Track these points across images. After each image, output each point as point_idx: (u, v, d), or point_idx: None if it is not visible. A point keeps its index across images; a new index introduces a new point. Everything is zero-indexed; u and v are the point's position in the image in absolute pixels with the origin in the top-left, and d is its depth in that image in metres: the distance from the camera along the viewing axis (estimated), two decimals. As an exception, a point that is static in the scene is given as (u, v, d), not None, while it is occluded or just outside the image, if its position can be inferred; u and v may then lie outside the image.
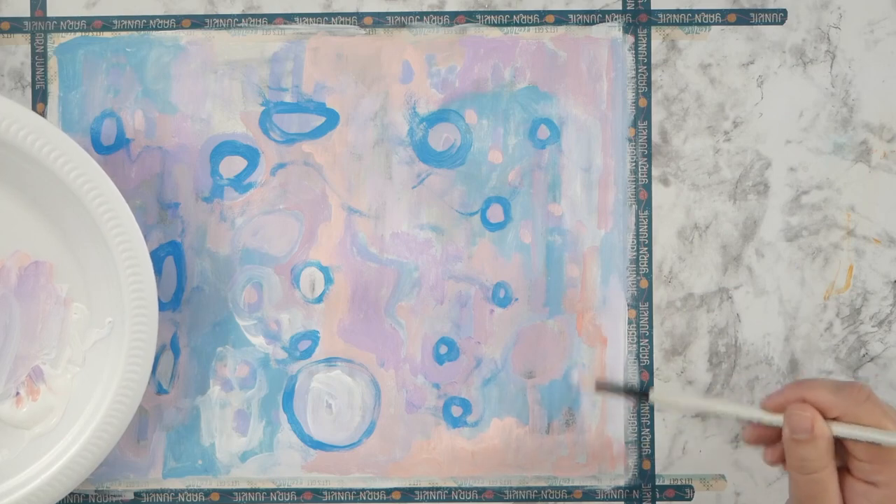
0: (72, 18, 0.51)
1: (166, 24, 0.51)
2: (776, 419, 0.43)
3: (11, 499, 0.47)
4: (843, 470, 0.43)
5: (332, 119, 0.51)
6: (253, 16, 0.51)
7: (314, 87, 0.51)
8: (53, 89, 0.51)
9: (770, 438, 0.45)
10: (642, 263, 0.51)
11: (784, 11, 0.51)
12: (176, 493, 0.51)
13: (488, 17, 0.51)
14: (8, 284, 0.49)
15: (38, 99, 0.51)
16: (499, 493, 0.51)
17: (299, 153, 0.51)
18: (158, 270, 0.51)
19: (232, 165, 0.51)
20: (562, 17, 0.51)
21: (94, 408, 0.48)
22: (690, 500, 0.51)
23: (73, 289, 0.49)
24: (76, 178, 0.46)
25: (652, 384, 0.49)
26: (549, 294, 0.51)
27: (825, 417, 0.42)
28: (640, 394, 0.50)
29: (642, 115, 0.51)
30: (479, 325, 0.51)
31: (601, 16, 0.51)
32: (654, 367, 0.51)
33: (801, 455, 0.42)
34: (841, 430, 0.42)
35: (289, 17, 0.51)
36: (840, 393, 0.42)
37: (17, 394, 0.49)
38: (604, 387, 0.50)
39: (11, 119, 0.46)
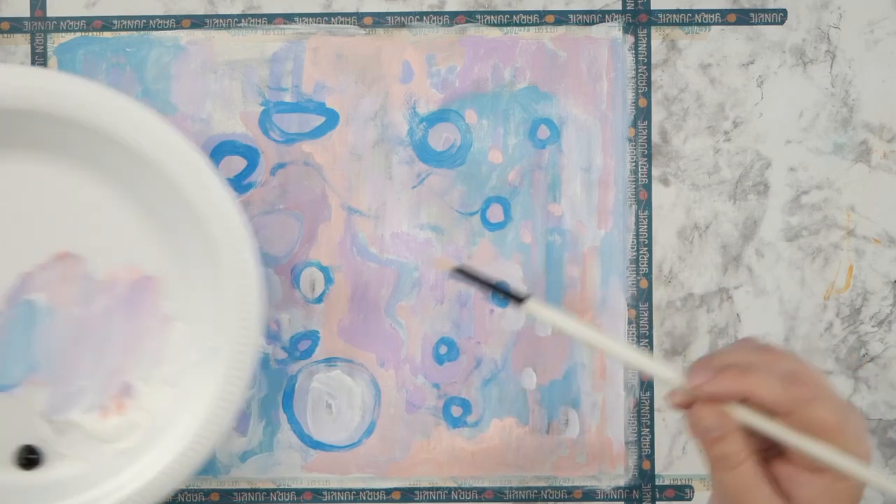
0: (72, 18, 0.51)
1: (166, 24, 0.51)
2: (672, 376, 0.38)
3: None
4: (774, 455, 0.38)
5: (331, 119, 0.51)
6: (253, 16, 0.51)
7: (314, 87, 0.51)
8: (53, 89, 0.51)
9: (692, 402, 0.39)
10: (642, 263, 0.51)
11: (784, 11, 0.51)
12: (176, 493, 0.51)
13: (488, 17, 0.51)
14: (115, 296, 0.48)
15: (38, 99, 0.51)
16: (499, 493, 0.51)
17: (299, 153, 0.51)
18: (158, 270, 0.51)
19: (232, 165, 0.51)
20: (562, 17, 0.51)
21: (183, 431, 0.46)
22: (690, 500, 0.51)
23: (178, 308, 0.48)
24: (202, 197, 0.45)
25: (529, 297, 0.40)
26: (549, 294, 0.51)
27: (767, 413, 0.37)
28: (512, 296, 0.41)
29: (642, 115, 0.51)
30: (479, 325, 0.51)
31: (601, 16, 0.51)
32: (654, 367, 0.51)
33: (716, 452, 0.37)
34: (751, 419, 0.37)
35: (289, 17, 0.51)
36: (790, 389, 0.37)
37: (105, 406, 0.48)
38: (465, 273, 0.41)
39: (145, 129, 0.45)
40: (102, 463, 0.47)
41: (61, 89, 0.45)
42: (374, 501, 0.51)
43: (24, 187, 0.47)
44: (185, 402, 0.47)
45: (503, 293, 0.41)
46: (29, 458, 0.47)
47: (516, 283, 0.51)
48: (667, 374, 0.38)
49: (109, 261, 0.48)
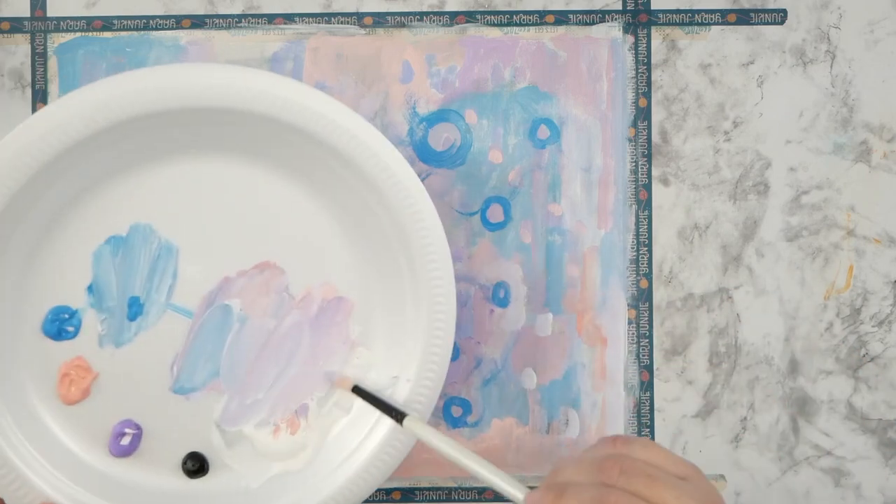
0: (72, 18, 0.51)
1: (166, 24, 0.51)
2: (515, 492, 0.40)
3: None
4: None
5: (332, 119, 0.51)
6: (253, 16, 0.51)
7: (314, 87, 0.51)
8: (53, 89, 0.51)
9: None
10: (642, 263, 0.51)
11: (784, 11, 0.51)
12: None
13: (488, 17, 0.51)
14: (307, 313, 0.48)
15: (38, 99, 0.51)
16: (499, 493, 0.51)
17: (299, 153, 0.51)
18: (158, 270, 0.51)
19: (232, 165, 0.51)
20: (562, 17, 0.51)
21: (349, 459, 0.46)
22: (690, 500, 0.51)
23: (366, 333, 0.48)
24: (415, 224, 0.45)
25: (407, 415, 0.44)
26: (549, 294, 0.51)
27: None
28: (395, 415, 0.45)
29: (642, 115, 0.51)
30: (479, 325, 0.51)
31: (601, 16, 0.51)
32: (654, 367, 0.51)
33: None
34: (420, 431, 0.42)
35: (289, 17, 0.51)
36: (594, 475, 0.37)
37: (278, 424, 0.47)
38: (361, 393, 0.47)
39: (374, 150, 0.45)
40: (265, 482, 0.46)
41: (287, 94, 0.44)
42: (374, 501, 0.51)
43: (240, 192, 0.47)
44: (357, 431, 0.46)
45: (388, 411, 0.45)
46: (195, 467, 0.46)
47: (516, 281, 0.51)
48: (511, 492, 0.40)
49: (308, 277, 0.47)
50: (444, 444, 0.42)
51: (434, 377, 0.46)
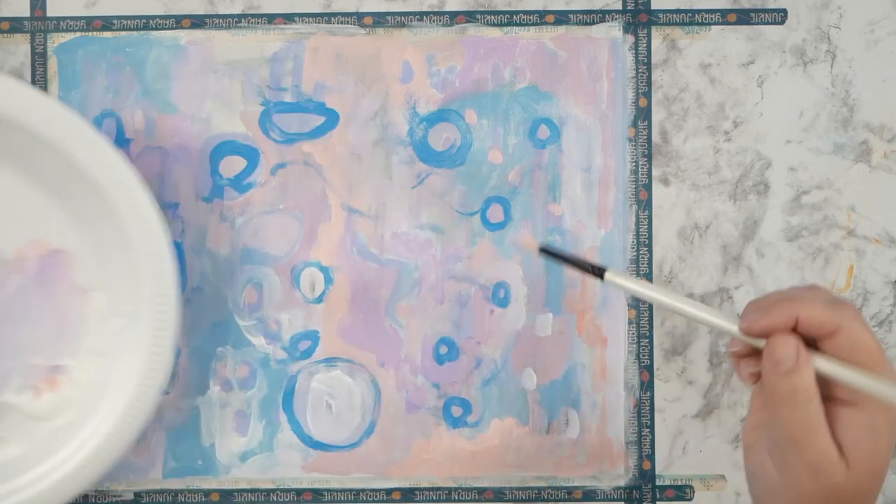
0: (71, 18, 0.51)
1: (166, 24, 0.51)
2: (754, 340, 0.39)
3: (30, 493, 0.46)
4: (825, 399, 0.39)
5: (331, 119, 0.51)
6: (253, 16, 0.51)
7: (314, 87, 0.51)
8: (53, 89, 0.51)
9: (754, 352, 0.40)
10: (642, 263, 0.51)
11: (784, 11, 0.51)
12: (176, 493, 0.51)
13: (488, 17, 0.51)
14: (27, 273, 0.48)
15: (38, 99, 0.51)
16: (499, 493, 0.51)
17: (299, 153, 0.51)
18: (158, 270, 0.51)
19: (232, 165, 0.51)
20: (562, 17, 0.51)
21: (116, 399, 0.47)
22: (690, 500, 0.51)
23: (93, 278, 0.48)
24: (95, 165, 0.46)
25: (606, 269, 0.41)
26: (549, 294, 0.51)
27: (819, 336, 0.38)
28: (593, 271, 0.42)
29: (642, 114, 0.51)
30: (479, 325, 0.51)
31: (601, 16, 0.51)
32: (655, 367, 0.51)
33: (786, 387, 0.38)
34: (825, 366, 0.38)
35: (289, 17, 0.51)
36: (834, 309, 0.38)
37: (37, 385, 0.49)
38: (549, 252, 0.43)
39: (30, 107, 0.45)
40: (42, 442, 0.48)
41: None
42: (374, 501, 0.51)
43: None
44: (114, 371, 0.47)
45: (584, 269, 0.42)
46: None
47: (516, 281, 0.51)
48: (723, 325, 0.39)
49: (16, 238, 0.48)
50: (648, 290, 0.40)
51: (168, 304, 0.46)
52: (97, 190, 0.46)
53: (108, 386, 0.47)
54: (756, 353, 0.40)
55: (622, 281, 0.41)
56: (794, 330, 0.38)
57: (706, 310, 0.40)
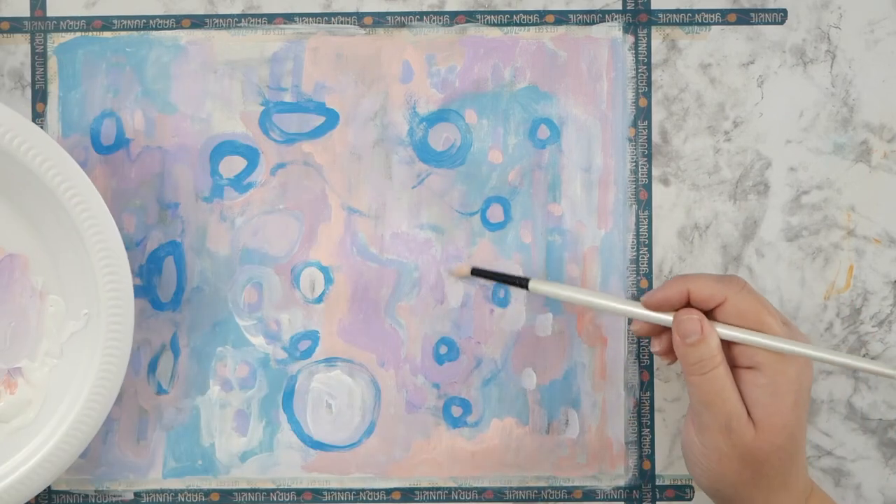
0: (71, 18, 0.51)
1: (166, 24, 0.51)
2: (661, 317, 0.45)
3: None
4: (731, 367, 0.44)
5: (331, 119, 0.51)
6: (253, 16, 0.51)
7: (314, 87, 0.51)
8: (53, 89, 0.51)
9: (658, 330, 0.46)
10: (642, 263, 0.51)
11: (784, 11, 0.51)
12: (176, 493, 0.51)
13: (488, 17, 0.51)
14: None
15: (38, 99, 0.51)
16: (499, 493, 0.51)
17: (299, 153, 0.51)
18: (158, 270, 0.51)
19: (232, 165, 0.51)
20: (562, 17, 0.51)
21: (72, 400, 0.47)
22: (690, 500, 0.51)
23: (49, 281, 0.49)
24: (48, 171, 0.46)
25: (529, 279, 0.48)
26: (549, 294, 0.51)
27: (708, 307, 0.44)
28: (518, 282, 0.48)
29: (642, 114, 0.51)
30: (479, 325, 0.51)
31: (601, 16, 0.51)
32: (654, 367, 0.51)
33: (695, 357, 0.43)
34: (727, 332, 0.44)
35: (289, 17, 0.51)
36: (720, 283, 0.44)
37: None
38: (481, 273, 0.50)
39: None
40: (1, 443, 0.49)
41: None
42: (374, 501, 0.51)
43: None
44: (72, 373, 0.48)
45: (511, 282, 0.49)
46: None
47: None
48: (629, 308, 0.46)
49: None
50: (572, 292, 0.47)
51: (123, 306, 0.47)
52: (48, 192, 0.46)
53: (65, 387, 0.48)
54: (663, 331, 0.46)
55: (545, 287, 0.48)
56: (689, 304, 0.44)
57: (616, 299, 0.47)
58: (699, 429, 0.44)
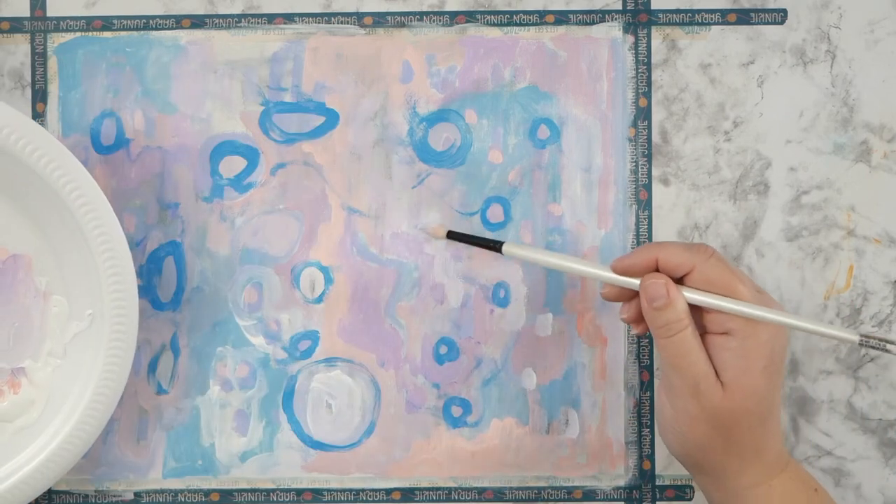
0: (71, 18, 0.51)
1: (166, 24, 0.51)
2: (629, 281, 0.45)
3: None
4: (701, 330, 0.45)
5: (331, 119, 0.51)
6: (253, 16, 0.51)
7: (314, 87, 0.51)
8: (53, 89, 0.51)
9: (626, 296, 0.46)
10: (642, 263, 0.51)
11: (784, 11, 0.51)
12: (176, 493, 0.51)
13: (488, 17, 0.51)
14: None
15: (38, 99, 0.51)
16: (499, 493, 0.51)
17: (299, 153, 0.51)
18: (158, 270, 0.51)
19: (232, 165, 0.51)
20: (562, 17, 0.51)
21: (76, 401, 0.47)
22: (690, 500, 0.51)
23: (52, 282, 0.49)
24: (52, 171, 0.46)
25: (503, 242, 0.49)
26: (549, 294, 0.51)
27: (677, 275, 0.44)
28: (492, 245, 0.49)
29: (642, 114, 0.51)
30: (479, 325, 0.51)
31: (601, 16, 0.51)
32: (655, 367, 0.51)
33: (661, 320, 0.44)
34: (693, 296, 0.44)
35: (289, 17, 0.51)
36: (689, 251, 0.44)
37: (0, 389, 0.49)
38: (455, 236, 0.50)
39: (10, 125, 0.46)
40: (4, 443, 0.49)
41: None
42: (374, 501, 0.51)
43: None
44: (75, 373, 0.48)
45: (486, 245, 0.49)
46: None
47: (516, 281, 0.51)
48: (598, 271, 0.46)
49: None
50: (544, 255, 0.47)
51: (125, 311, 0.47)
52: (52, 192, 0.46)
53: (69, 388, 0.48)
54: (632, 297, 0.46)
55: (517, 250, 0.48)
56: (658, 271, 0.45)
57: (586, 263, 0.47)
58: (668, 392, 0.45)
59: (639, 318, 0.46)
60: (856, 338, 0.43)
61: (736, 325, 0.44)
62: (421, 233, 0.51)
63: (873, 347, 0.43)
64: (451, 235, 0.50)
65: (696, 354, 0.44)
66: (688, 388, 0.44)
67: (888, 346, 0.43)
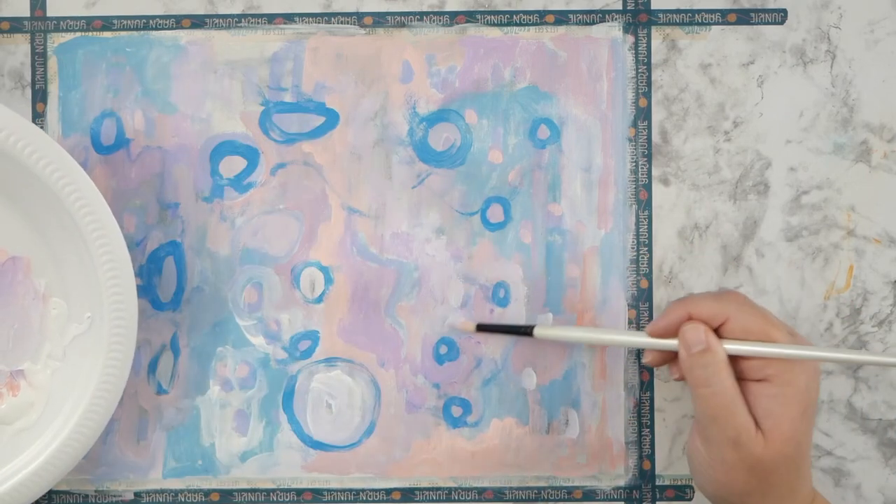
0: (72, 18, 0.51)
1: (166, 24, 0.51)
2: (669, 343, 0.45)
3: None
4: (738, 377, 0.44)
5: (332, 119, 0.51)
6: (253, 16, 0.51)
7: (314, 87, 0.51)
8: (53, 89, 0.51)
9: (671, 357, 0.46)
10: (642, 263, 0.51)
11: (784, 11, 0.51)
12: (176, 493, 0.51)
13: (488, 17, 0.51)
14: None
15: (38, 99, 0.51)
16: (499, 493, 0.51)
17: (299, 153, 0.51)
18: (158, 270, 0.51)
19: (232, 165, 0.51)
20: (562, 17, 0.51)
21: (75, 403, 0.47)
22: (690, 500, 0.51)
23: (51, 284, 0.49)
24: (51, 173, 0.46)
25: (534, 325, 0.49)
26: (549, 294, 0.51)
27: (712, 326, 0.44)
28: (524, 331, 0.49)
29: (642, 115, 0.51)
30: (479, 325, 0.51)
31: (601, 16, 0.51)
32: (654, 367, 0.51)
33: (700, 369, 0.43)
34: (733, 347, 0.44)
35: (289, 17, 0.51)
36: (719, 301, 0.44)
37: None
38: (486, 328, 0.50)
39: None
40: (3, 445, 0.49)
41: None
42: (374, 501, 0.51)
43: None
44: (74, 375, 0.48)
45: (518, 332, 0.50)
46: None
47: (516, 281, 0.51)
48: (636, 339, 0.47)
49: None
50: (579, 332, 0.48)
51: (124, 314, 0.47)
52: (51, 195, 0.46)
53: (68, 390, 0.48)
54: (676, 358, 0.45)
55: (550, 332, 0.48)
56: None
57: (621, 332, 0.48)
58: (705, 441, 0.44)
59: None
60: None
61: (774, 371, 0.43)
62: (449, 328, 0.51)
63: None
64: (481, 328, 0.50)
65: (736, 405, 0.43)
66: (727, 440, 0.43)
67: None
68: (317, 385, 0.51)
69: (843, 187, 0.51)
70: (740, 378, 0.44)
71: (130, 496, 0.51)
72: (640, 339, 0.46)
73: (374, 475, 0.51)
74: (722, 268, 0.51)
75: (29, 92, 0.51)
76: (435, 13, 0.51)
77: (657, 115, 0.51)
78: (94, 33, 0.51)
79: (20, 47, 0.51)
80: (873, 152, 0.51)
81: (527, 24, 0.51)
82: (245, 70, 0.51)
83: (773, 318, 0.45)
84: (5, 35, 0.51)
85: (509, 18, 0.51)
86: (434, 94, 0.51)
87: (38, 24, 0.51)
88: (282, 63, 0.51)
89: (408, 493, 0.51)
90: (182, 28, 0.51)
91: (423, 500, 0.51)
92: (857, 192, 0.51)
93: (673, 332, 0.45)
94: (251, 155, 0.51)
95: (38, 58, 0.51)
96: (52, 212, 0.47)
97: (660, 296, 0.51)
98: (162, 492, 0.51)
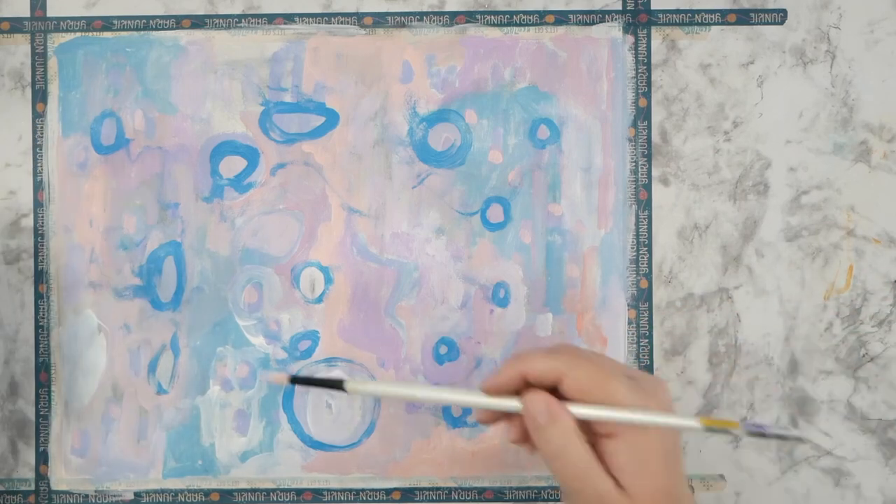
0: (72, 18, 0.51)
1: (166, 24, 0.51)
2: (508, 404, 0.41)
3: None
4: (589, 436, 0.41)
5: (332, 119, 0.51)
6: (253, 16, 0.51)
7: (314, 87, 0.51)
8: (53, 89, 0.51)
9: (504, 416, 0.43)
10: (642, 263, 0.51)
11: (784, 11, 0.51)
12: (176, 493, 0.51)
13: (488, 17, 0.51)
14: None
15: (38, 99, 0.51)
16: (499, 493, 0.51)
17: (299, 153, 0.51)
18: (158, 270, 0.51)
19: (232, 165, 0.51)
20: (562, 17, 0.51)
21: None
22: (690, 500, 0.51)
23: None
24: None
25: (344, 380, 0.43)
26: (549, 294, 0.51)
27: (546, 385, 0.41)
28: (335, 385, 0.44)
29: (642, 115, 0.51)
30: (479, 325, 0.51)
31: (601, 16, 0.51)
32: (655, 367, 0.51)
33: (550, 442, 0.40)
34: (580, 411, 0.40)
35: (289, 17, 0.51)
36: (551, 357, 0.41)
37: None
38: (299, 380, 0.45)
39: None
40: None
41: None
42: (374, 501, 0.51)
43: None
44: None
45: (328, 386, 0.44)
46: None
47: (516, 281, 0.51)
48: (466, 398, 0.42)
49: None
50: (389, 388, 0.43)
51: None
52: None
53: None
54: (514, 416, 0.42)
55: (363, 387, 0.43)
56: (529, 385, 0.41)
57: (453, 391, 0.42)
58: None
59: (525, 437, 0.42)
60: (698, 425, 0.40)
61: (622, 427, 0.40)
62: (262, 378, 0.51)
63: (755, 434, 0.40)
64: (294, 380, 0.44)
65: (593, 471, 0.40)
66: None
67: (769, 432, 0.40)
68: (317, 385, 0.51)
69: (842, 187, 0.51)
70: (592, 434, 0.41)
71: (130, 496, 0.51)
72: (476, 398, 0.42)
73: (374, 475, 0.51)
74: (722, 268, 0.51)
75: (29, 92, 0.51)
76: (435, 13, 0.51)
77: (657, 116, 0.51)
78: (95, 33, 0.51)
79: (20, 47, 0.51)
80: (873, 152, 0.51)
81: (527, 25, 0.51)
82: (245, 70, 0.51)
83: (608, 363, 0.41)
84: (5, 35, 0.51)
85: (509, 19, 0.51)
86: (434, 94, 0.51)
87: (38, 25, 0.51)
88: (282, 63, 0.51)
89: (408, 492, 0.51)
90: (182, 28, 0.51)
91: (423, 500, 0.51)
92: (856, 192, 0.51)
93: (507, 390, 0.41)
94: (251, 155, 0.51)
95: (39, 58, 0.51)
96: None
97: (659, 296, 0.51)
98: (162, 492, 0.51)
